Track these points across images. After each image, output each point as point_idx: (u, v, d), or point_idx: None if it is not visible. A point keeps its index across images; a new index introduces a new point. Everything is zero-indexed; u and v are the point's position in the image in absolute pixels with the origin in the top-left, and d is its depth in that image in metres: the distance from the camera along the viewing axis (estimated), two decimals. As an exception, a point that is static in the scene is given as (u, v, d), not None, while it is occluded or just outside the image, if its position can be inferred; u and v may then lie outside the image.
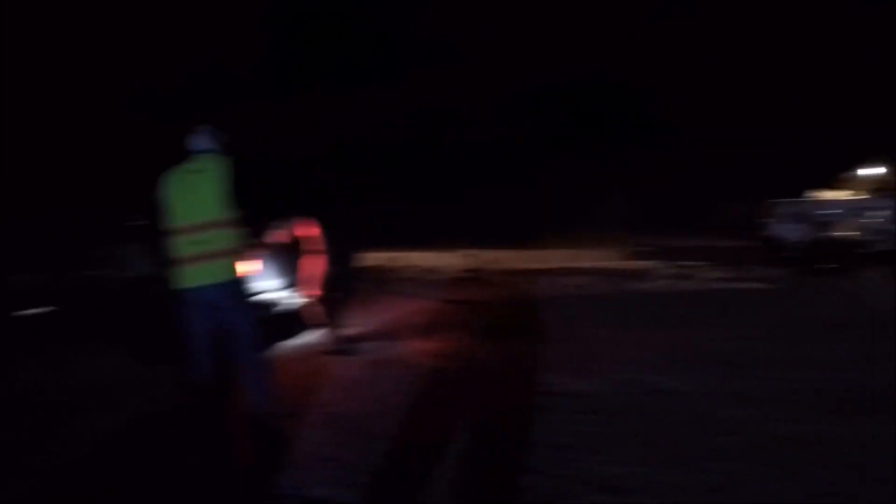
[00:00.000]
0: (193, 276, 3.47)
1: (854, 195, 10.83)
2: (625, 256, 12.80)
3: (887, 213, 10.22)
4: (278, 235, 4.94)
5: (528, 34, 22.26)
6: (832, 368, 4.51)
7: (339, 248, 5.73)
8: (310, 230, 5.60)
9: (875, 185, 10.80)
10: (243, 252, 3.60)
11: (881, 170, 10.90)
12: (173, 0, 21.51)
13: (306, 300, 5.84)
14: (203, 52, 20.53)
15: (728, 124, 20.37)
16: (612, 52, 21.10)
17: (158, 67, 20.07)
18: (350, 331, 5.93)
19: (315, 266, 5.67)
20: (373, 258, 11.18)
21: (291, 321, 6.10)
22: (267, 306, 5.75)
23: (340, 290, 5.76)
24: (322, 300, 5.69)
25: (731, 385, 4.23)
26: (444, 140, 21.89)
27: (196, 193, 3.49)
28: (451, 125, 21.89)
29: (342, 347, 5.67)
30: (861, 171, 11.23)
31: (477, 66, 20.99)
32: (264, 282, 5.61)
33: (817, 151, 13.19)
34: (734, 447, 3.20)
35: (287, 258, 5.79)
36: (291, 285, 5.99)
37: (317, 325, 5.90)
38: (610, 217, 18.73)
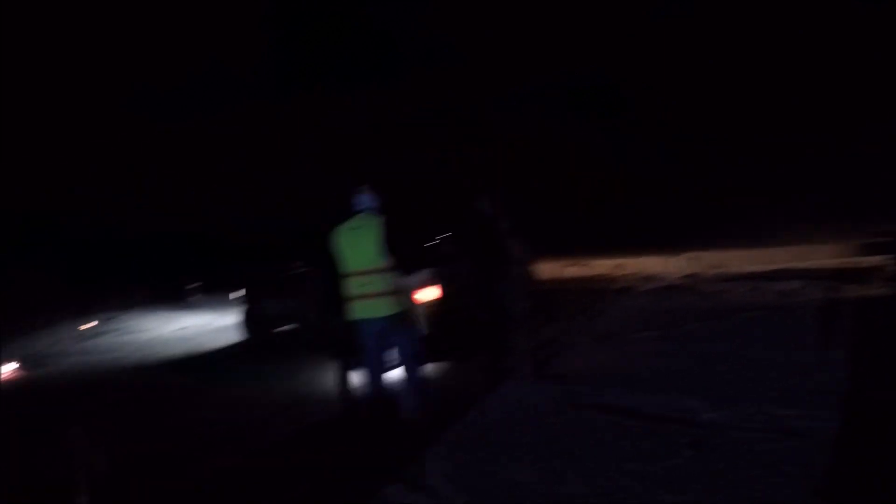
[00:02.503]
0: (363, 310, 4.37)
1: None
2: (854, 250, 11.19)
3: None
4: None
5: (528, 34, 22.25)
6: None
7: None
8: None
9: None
10: (400, 292, 4.38)
11: None
12: (173, 0, 21.51)
13: None
14: (203, 52, 20.53)
15: (727, 125, 20.31)
16: (612, 52, 21.08)
17: (158, 67, 20.07)
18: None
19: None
20: (594, 266, 11.58)
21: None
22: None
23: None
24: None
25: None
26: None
27: (359, 246, 4.35)
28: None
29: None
30: None
31: (477, 66, 20.97)
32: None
33: None
34: None
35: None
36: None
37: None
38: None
